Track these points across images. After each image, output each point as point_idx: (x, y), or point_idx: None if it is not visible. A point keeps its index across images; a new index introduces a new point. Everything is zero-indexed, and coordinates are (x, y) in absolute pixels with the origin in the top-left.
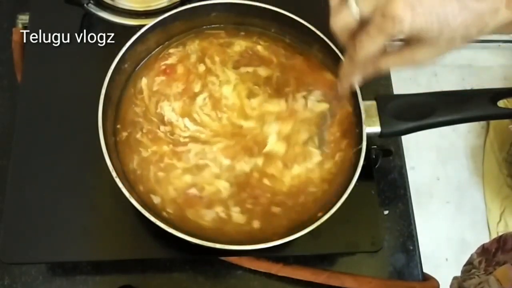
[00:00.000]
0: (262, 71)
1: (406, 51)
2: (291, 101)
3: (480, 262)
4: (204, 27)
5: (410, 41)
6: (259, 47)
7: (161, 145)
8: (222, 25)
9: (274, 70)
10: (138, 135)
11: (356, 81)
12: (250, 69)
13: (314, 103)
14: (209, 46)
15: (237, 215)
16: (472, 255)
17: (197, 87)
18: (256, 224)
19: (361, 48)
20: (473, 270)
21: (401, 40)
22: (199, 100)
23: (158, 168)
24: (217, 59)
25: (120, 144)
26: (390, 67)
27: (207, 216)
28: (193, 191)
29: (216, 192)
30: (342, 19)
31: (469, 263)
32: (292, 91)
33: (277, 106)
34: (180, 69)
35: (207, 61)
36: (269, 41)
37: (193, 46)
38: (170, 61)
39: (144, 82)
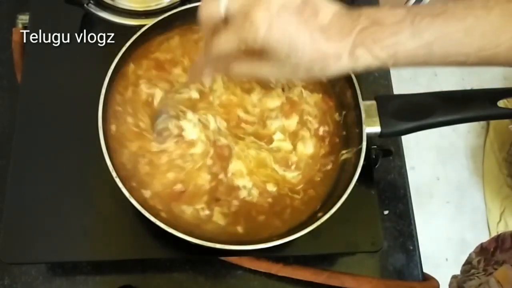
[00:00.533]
0: None
1: (255, 62)
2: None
3: (479, 262)
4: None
5: (260, 54)
6: None
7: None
8: None
9: None
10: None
11: (205, 75)
12: None
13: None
14: (187, 43)
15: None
16: (470, 254)
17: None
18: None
19: (217, 44)
20: (473, 271)
21: (254, 52)
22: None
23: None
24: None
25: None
26: (239, 73)
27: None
28: (178, 186)
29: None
30: (209, 8)
31: (468, 262)
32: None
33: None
34: (167, 66)
35: (186, 58)
36: None
37: (174, 43)
38: (158, 55)
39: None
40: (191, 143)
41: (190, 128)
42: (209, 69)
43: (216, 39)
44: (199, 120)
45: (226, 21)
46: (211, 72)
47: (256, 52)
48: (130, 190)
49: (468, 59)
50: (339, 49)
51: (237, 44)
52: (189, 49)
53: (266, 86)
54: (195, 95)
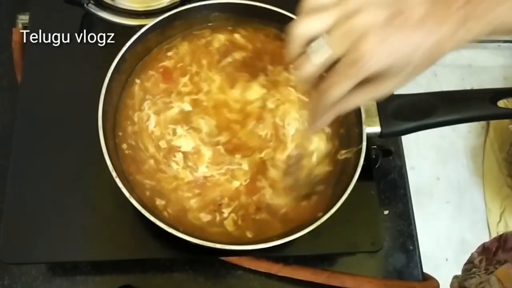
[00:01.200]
0: (237, 55)
1: (370, 87)
2: (271, 75)
3: (480, 261)
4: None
5: (372, 77)
6: (236, 35)
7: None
8: (222, 25)
9: (247, 53)
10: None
11: (325, 123)
12: (230, 59)
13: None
14: (195, 48)
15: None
16: (472, 254)
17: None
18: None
19: (329, 95)
20: (474, 269)
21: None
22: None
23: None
24: (204, 62)
25: (123, 155)
26: (356, 105)
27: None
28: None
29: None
30: (306, 72)
31: (470, 262)
32: (266, 65)
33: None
34: (175, 73)
35: (194, 65)
36: (251, 30)
37: (183, 49)
38: (166, 63)
39: (137, 84)
40: (198, 156)
41: (184, 141)
42: (329, 114)
43: (330, 86)
44: (190, 128)
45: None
46: (332, 115)
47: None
48: (131, 190)
49: None
50: (448, 30)
51: (353, 84)
52: (198, 55)
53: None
54: (187, 107)
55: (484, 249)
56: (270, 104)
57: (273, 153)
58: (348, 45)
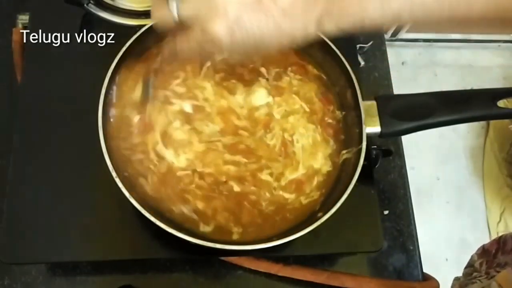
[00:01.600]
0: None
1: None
2: (272, 79)
3: (481, 264)
4: None
5: None
6: None
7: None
8: None
9: None
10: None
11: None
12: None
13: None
14: None
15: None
16: (472, 256)
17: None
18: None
19: (179, 49)
20: (475, 274)
21: None
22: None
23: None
24: (188, 68)
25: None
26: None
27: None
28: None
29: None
30: (161, 16)
31: (470, 265)
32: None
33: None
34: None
35: (181, 72)
36: None
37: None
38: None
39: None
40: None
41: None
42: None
43: (178, 44)
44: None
45: (181, 25)
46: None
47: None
48: (130, 190)
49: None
50: (304, 23)
51: (200, 53)
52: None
53: (247, 82)
54: (187, 108)
55: (484, 251)
56: (276, 114)
57: (283, 169)
58: (199, 14)
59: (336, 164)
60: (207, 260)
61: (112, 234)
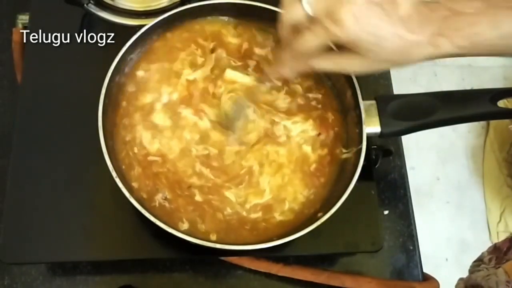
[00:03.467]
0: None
1: (339, 58)
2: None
3: (490, 260)
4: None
5: (345, 49)
6: (223, 31)
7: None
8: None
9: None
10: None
11: (286, 71)
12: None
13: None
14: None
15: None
16: (483, 253)
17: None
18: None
19: (302, 43)
20: (482, 265)
21: (337, 47)
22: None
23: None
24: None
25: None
26: (321, 68)
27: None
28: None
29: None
30: (294, 14)
31: (479, 259)
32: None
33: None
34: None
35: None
36: (244, 26)
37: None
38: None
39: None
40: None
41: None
42: (291, 65)
43: (301, 38)
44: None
45: (309, 21)
46: (293, 68)
47: (338, 47)
48: (130, 190)
49: None
50: (420, 39)
51: (324, 41)
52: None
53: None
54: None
55: (495, 249)
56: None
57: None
58: (329, 6)
59: (336, 164)
60: (207, 260)
61: (112, 234)
